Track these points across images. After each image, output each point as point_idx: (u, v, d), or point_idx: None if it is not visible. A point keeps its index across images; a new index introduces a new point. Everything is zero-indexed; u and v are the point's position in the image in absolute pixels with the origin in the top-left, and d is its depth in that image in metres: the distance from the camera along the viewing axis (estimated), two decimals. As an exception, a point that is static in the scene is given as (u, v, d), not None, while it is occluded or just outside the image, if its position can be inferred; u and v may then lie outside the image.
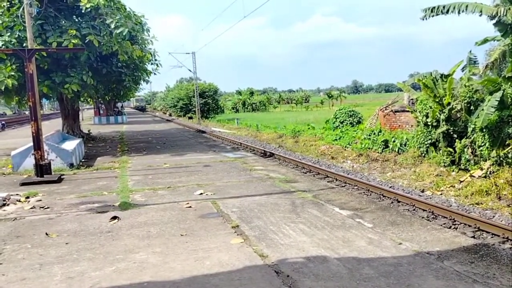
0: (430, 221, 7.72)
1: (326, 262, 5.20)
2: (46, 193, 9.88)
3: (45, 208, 8.42)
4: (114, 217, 7.45)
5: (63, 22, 15.75)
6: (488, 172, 10.92)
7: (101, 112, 49.31)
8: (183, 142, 22.09)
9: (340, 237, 6.11)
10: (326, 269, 4.97)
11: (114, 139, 25.44)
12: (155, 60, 22.16)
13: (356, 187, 10.96)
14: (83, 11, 15.66)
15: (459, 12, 11.84)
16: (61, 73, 16.52)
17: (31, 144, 12.25)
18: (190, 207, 8.13)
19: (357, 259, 5.25)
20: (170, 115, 62.19)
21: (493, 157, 11.12)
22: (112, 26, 15.32)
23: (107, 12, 15.70)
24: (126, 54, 16.88)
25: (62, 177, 11.82)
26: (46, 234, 6.69)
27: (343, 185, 11.26)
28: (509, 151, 10.90)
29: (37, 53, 13.04)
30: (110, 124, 42.96)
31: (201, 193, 9.33)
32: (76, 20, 16.54)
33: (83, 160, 15.51)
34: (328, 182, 11.38)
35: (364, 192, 10.37)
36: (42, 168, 11.51)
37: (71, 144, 15.45)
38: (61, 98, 20.90)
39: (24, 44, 14.51)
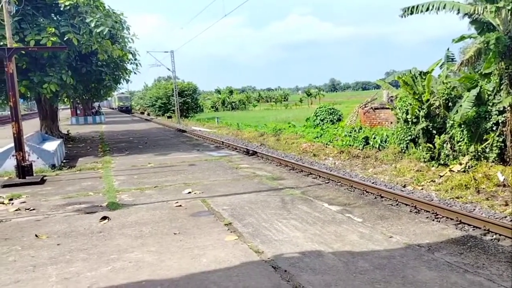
0: (417, 215, 7.94)
1: (321, 256, 5.31)
2: (30, 194, 9.70)
3: (31, 210, 8.27)
4: (104, 217, 7.40)
5: (41, 20, 15.39)
6: (467, 167, 11.26)
7: (78, 112, 48.40)
8: (165, 141, 21.93)
9: (332, 232, 6.24)
10: (322, 263, 5.08)
11: (94, 139, 25.04)
12: (135, 59, 21.93)
13: (339, 183, 11.13)
14: (61, 9, 15.37)
15: (438, 11, 12.13)
16: (39, 72, 16.17)
17: (11, 145, 11.99)
18: (180, 206, 8.13)
19: (351, 253, 5.38)
20: (148, 114, 61.58)
21: (471, 152, 11.48)
22: (92, 25, 15.08)
23: (87, 10, 15.45)
24: (106, 53, 16.65)
25: (44, 178, 11.61)
26: (36, 235, 6.59)
27: (327, 181, 11.42)
28: (486, 146, 11.28)
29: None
30: (88, 124, 42.22)
31: (190, 192, 9.33)
32: (55, 18, 16.21)
33: (64, 161, 15.23)
34: (313, 178, 11.52)
35: (348, 188, 10.54)
36: (24, 170, 11.28)
37: (52, 145, 15.17)
38: (39, 98, 20.45)
39: (2, 43, 14.15)
